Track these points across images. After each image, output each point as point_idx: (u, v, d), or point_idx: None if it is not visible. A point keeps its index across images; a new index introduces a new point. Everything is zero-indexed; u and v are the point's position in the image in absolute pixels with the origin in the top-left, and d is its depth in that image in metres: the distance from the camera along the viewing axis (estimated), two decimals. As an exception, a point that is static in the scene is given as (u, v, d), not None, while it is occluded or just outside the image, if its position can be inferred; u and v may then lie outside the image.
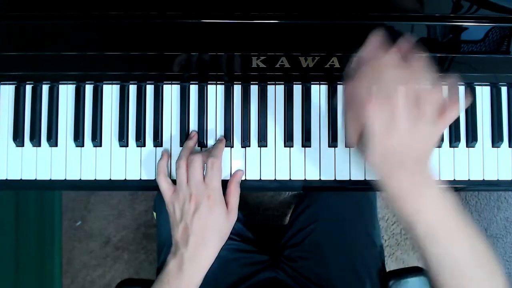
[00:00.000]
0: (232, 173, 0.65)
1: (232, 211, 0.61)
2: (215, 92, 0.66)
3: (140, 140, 0.65)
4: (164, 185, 0.61)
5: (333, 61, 0.63)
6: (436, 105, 0.46)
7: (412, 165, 0.47)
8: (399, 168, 0.47)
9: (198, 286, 0.58)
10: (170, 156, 0.65)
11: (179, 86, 0.66)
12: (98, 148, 0.65)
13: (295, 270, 0.75)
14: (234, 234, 0.77)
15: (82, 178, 0.65)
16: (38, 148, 0.65)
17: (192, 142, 0.63)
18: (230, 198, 0.61)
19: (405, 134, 0.46)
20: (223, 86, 0.66)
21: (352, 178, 0.65)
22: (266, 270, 0.76)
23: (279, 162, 0.65)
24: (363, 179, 0.65)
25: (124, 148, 0.65)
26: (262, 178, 0.65)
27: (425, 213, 0.47)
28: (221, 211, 0.59)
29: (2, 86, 0.66)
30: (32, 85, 0.66)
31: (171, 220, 0.60)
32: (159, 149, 0.65)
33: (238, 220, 0.80)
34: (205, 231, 0.57)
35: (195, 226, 0.57)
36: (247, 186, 0.65)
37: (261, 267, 0.76)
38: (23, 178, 0.65)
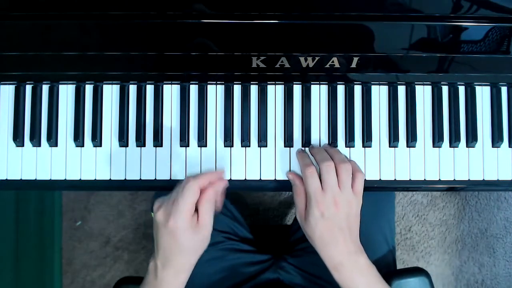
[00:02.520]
0: (231, 173, 0.65)
1: (202, 226, 0.56)
2: (215, 92, 0.66)
3: (140, 140, 0.65)
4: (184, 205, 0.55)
5: (333, 61, 0.63)
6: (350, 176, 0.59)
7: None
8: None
9: None
10: (170, 156, 0.64)
11: (179, 86, 0.66)
12: (98, 148, 0.65)
13: (300, 268, 0.75)
14: (232, 234, 0.77)
15: (82, 178, 0.65)
16: (38, 148, 0.65)
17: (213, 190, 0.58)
18: (201, 211, 0.56)
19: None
20: (223, 86, 0.66)
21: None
22: (268, 271, 0.76)
23: (279, 162, 0.65)
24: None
25: (124, 148, 0.65)
26: (262, 178, 0.65)
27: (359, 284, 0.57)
28: (182, 232, 0.54)
29: (2, 86, 0.66)
30: (32, 85, 0.66)
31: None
32: (159, 149, 0.65)
33: (235, 219, 0.79)
34: (169, 249, 0.55)
35: (161, 243, 0.56)
36: (247, 186, 0.65)
37: (262, 267, 0.76)
38: (23, 178, 0.65)
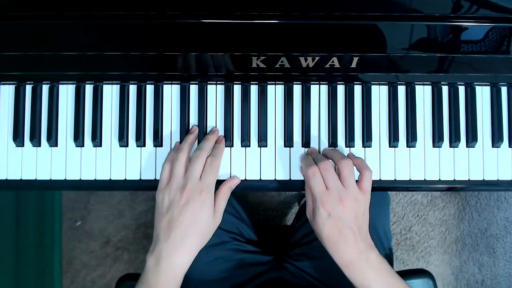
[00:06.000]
0: (231, 173, 0.65)
1: (218, 213, 0.61)
2: (215, 92, 0.66)
3: (140, 140, 0.65)
4: (166, 174, 0.61)
5: (333, 61, 0.63)
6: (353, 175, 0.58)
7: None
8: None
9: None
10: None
11: (179, 86, 0.66)
12: (98, 148, 0.65)
13: (301, 269, 0.75)
14: (238, 235, 0.77)
15: (82, 178, 0.65)
16: (38, 148, 0.65)
17: (192, 136, 0.63)
18: (219, 200, 0.61)
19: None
20: (223, 86, 0.66)
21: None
22: (271, 271, 0.76)
23: (279, 162, 0.65)
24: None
25: (124, 148, 0.65)
26: (262, 178, 0.65)
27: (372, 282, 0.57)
28: (209, 210, 0.59)
29: (2, 86, 0.66)
30: (32, 85, 0.66)
31: (156, 211, 0.60)
32: (159, 149, 0.65)
33: (242, 220, 0.79)
34: (189, 226, 0.57)
35: (181, 219, 0.57)
36: (247, 186, 0.65)
37: (265, 268, 0.76)
38: (23, 178, 0.65)
